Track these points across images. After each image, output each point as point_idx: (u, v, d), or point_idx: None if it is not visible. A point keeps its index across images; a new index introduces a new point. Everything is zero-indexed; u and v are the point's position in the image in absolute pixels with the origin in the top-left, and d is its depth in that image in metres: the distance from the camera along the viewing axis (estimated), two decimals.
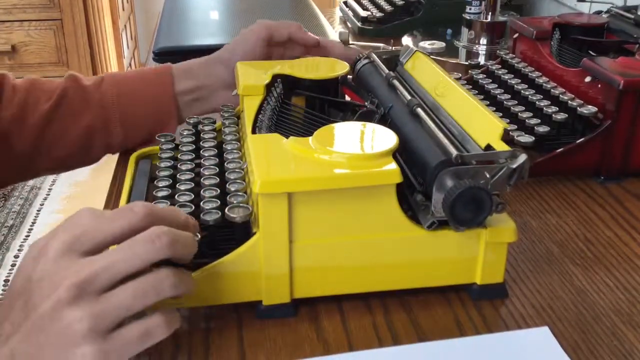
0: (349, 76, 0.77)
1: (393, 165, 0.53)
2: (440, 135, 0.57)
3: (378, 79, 0.73)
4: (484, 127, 0.58)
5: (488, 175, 0.53)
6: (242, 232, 0.55)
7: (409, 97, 0.65)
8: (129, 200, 0.66)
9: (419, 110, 0.62)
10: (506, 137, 0.56)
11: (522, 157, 0.53)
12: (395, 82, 0.69)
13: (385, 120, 0.66)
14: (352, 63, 0.79)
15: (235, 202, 0.56)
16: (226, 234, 0.57)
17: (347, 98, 0.78)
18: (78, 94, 0.80)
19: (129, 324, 0.46)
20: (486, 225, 0.56)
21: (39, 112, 0.79)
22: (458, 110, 0.62)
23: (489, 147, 0.56)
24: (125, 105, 0.81)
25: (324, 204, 0.53)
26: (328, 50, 0.84)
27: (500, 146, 0.55)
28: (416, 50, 0.75)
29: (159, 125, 0.80)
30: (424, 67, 0.72)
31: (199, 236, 0.53)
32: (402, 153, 0.58)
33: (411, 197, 0.57)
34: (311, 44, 0.85)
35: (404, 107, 0.64)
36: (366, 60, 0.78)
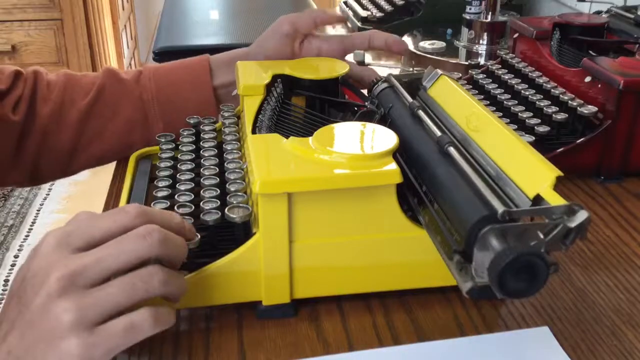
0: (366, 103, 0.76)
1: (393, 166, 0.53)
2: (480, 182, 0.48)
3: (400, 108, 0.65)
4: (531, 172, 0.50)
5: (541, 236, 0.44)
6: (242, 232, 0.55)
7: (438, 134, 0.56)
8: (129, 201, 0.66)
9: (452, 149, 0.53)
10: None
11: (583, 214, 0.44)
12: (421, 113, 0.60)
13: (385, 120, 0.66)
14: (368, 86, 0.74)
15: (235, 202, 0.56)
16: (226, 234, 0.57)
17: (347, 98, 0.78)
18: (116, 89, 0.80)
19: (116, 318, 0.46)
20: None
21: (77, 108, 0.79)
22: (497, 149, 0.54)
23: (538, 199, 0.47)
24: (165, 99, 0.81)
25: (324, 204, 0.53)
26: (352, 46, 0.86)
27: (553, 197, 0.46)
28: (441, 74, 0.67)
29: (200, 114, 0.79)
30: (451, 94, 0.64)
31: (199, 236, 0.53)
32: (434, 201, 0.51)
33: (411, 197, 0.57)
34: (336, 21, 0.87)
35: (433, 145, 0.56)
36: (385, 85, 0.70)
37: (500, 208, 0.45)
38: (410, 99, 0.64)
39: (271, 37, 0.84)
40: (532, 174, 0.49)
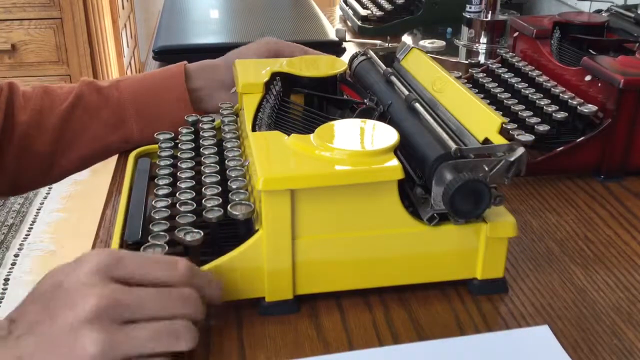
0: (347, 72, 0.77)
1: (395, 162, 0.53)
2: (439, 129, 0.58)
3: (375, 75, 0.73)
4: (481, 121, 0.59)
5: (486, 169, 0.54)
6: (244, 229, 0.56)
7: (406, 93, 0.65)
8: (129, 199, 0.65)
9: (417, 105, 0.63)
10: (505, 133, 0.57)
11: (520, 150, 0.54)
12: (393, 79, 0.70)
13: (384, 117, 0.66)
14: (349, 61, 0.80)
15: (237, 199, 0.56)
16: (228, 232, 0.57)
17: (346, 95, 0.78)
18: (94, 94, 0.82)
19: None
20: (485, 219, 0.56)
21: (56, 113, 0.80)
22: (456, 105, 0.63)
23: (486, 141, 0.57)
24: (142, 101, 0.82)
25: (326, 201, 0.53)
26: None
27: (498, 140, 0.56)
28: (412, 47, 0.75)
29: (175, 117, 0.80)
30: (421, 64, 0.73)
31: (201, 233, 0.54)
32: (401, 147, 0.58)
33: (412, 192, 0.57)
34: None
35: (402, 103, 0.65)
36: (363, 57, 0.78)
37: (453, 147, 0.54)
38: (384, 67, 0.73)
39: (256, 50, 0.86)
40: (482, 123, 0.59)
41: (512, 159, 0.53)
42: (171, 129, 0.75)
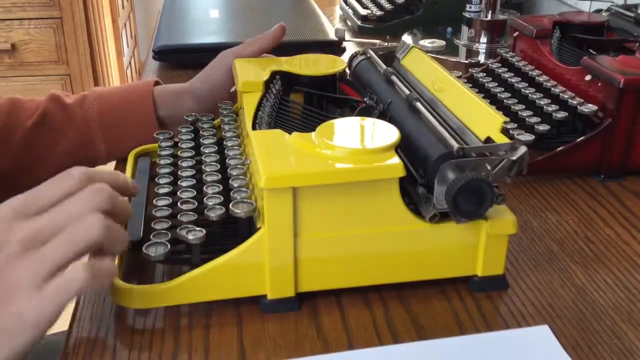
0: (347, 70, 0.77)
1: (396, 160, 0.53)
2: (440, 128, 0.57)
3: (375, 75, 0.73)
4: (483, 120, 0.58)
5: (489, 167, 0.53)
6: (246, 227, 0.56)
7: (407, 92, 0.65)
8: (130, 199, 0.66)
9: (418, 104, 0.62)
10: (505, 132, 0.57)
11: (522, 149, 0.53)
12: (394, 78, 0.69)
13: (384, 115, 0.66)
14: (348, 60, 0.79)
15: (238, 197, 0.56)
16: (230, 230, 0.57)
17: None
18: (59, 112, 0.80)
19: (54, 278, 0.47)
20: (487, 218, 0.56)
21: (21, 132, 0.78)
22: (457, 104, 0.63)
23: (488, 140, 0.56)
24: (107, 121, 0.80)
25: (328, 198, 0.53)
26: None
27: (500, 139, 0.55)
28: (412, 46, 0.75)
29: (143, 140, 0.79)
30: (421, 63, 0.73)
31: (204, 231, 0.54)
32: (403, 147, 0.58)
33: (413, 191, 0.57)
34: (280, 33, 0.83)
35: (403, 102, 0.65)
36: (362, 57, 0.78)
37: (455, 146, 0.54)
38: (384, 67, 0.72)
39: (216, 70, 0.82)
40: (484, 122, 0.58)
41: (514, 157, 0.53)
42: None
